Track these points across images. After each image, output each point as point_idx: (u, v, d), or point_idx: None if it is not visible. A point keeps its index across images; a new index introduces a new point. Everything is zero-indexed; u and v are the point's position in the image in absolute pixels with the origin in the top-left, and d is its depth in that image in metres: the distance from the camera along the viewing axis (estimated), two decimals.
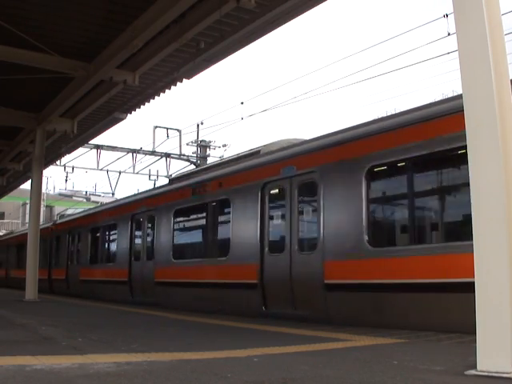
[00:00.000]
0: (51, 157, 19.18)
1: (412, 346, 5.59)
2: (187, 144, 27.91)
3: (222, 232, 11.25)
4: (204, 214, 12.11)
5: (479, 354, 3.86)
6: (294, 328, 7.33)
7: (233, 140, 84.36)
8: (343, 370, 4.15)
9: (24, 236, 18.00)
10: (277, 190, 9.58)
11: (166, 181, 25.04)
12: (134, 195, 16.43)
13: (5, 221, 49.01)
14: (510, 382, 3.60)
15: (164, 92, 12.82)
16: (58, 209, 45.69)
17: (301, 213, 9.10)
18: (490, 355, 3.80)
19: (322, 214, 8.34)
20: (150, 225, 13.85)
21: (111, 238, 16.52)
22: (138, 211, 14.43)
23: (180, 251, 12.61)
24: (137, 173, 26.22)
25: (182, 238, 13.10)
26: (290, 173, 9.12)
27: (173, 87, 12.50)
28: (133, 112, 14.41)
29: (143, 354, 4.78)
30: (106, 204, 19.56)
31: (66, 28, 10.23)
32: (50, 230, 21.36)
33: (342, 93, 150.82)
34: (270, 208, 9.62)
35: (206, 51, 10.23)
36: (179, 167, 28.93)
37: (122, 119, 14.80)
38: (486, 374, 3.76)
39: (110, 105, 13.79)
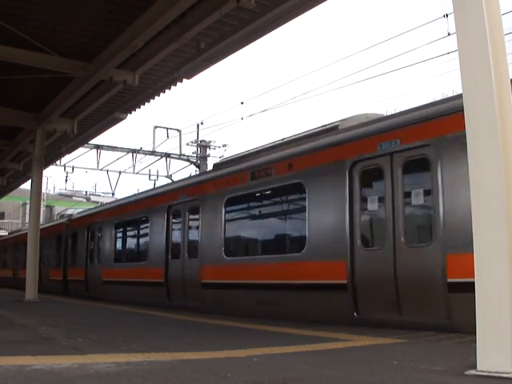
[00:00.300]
0: (51, 157, 19.18)
1: (412, 346, 5.59)
2: (187, 144, 27.94)
3: (294, 222, 9.64)
4: (267, 202, 10.52)
5: (479, 354, 3.86)
6: (294, 328, 7.33)
7: (233, 140, 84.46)
8: (343, 370, 4.15)
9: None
10: (372, 169, 7.96)
11: (167, 181, 25.20)
12: (171, 183, 14.53)
13: (5, 221, 49.05)
14: (509, 382, 3.60)
15: (164, 92, 12.83)
16: (58, 209, 45.87)
17: (407, 196, 7.44)
18: (490, 355, 3.80)
19: (440, 196, 6.82)
20: (192, 216, 12.02)
21: (142, 232, 14.65)
22: (176, 201, 12.53)
23: (235, 247, 10.93)
24: (137, 173, 26.25)
25: (237, 231, 11.05)
26: (392, 147, 7.57)
27: (173, 87, 12.51)
28: (133, 112, 14.42)
29: (143, 354, 4.78)
30: (135, 195, 16.86)
31: (67, 28, 10.25)
32: (64, 226, 19.84)
33: (342, 93, 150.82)
34: (363, 191, 8.04)
35: (206, 51, 10.23)
36: (179, 167, 29.01)
37: (122, 119, 14.80)
38: (486, 374, 3.76)
39: (109, 105, 13.80)
